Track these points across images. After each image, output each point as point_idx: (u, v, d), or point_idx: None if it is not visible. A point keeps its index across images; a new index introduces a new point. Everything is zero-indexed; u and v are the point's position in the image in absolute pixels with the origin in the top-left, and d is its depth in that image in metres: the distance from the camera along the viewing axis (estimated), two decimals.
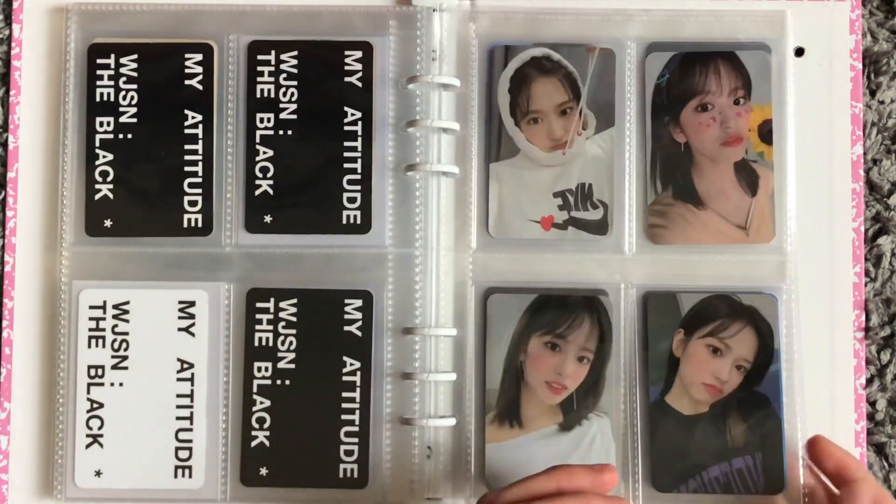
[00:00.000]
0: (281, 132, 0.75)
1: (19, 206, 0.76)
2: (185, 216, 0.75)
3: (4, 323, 0.75)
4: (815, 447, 0.71)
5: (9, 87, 0.76)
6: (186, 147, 0.75)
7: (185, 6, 0.76)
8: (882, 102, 0.77)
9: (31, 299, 0.75)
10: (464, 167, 0.75)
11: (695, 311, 0.74)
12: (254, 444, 0.73)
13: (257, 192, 0.75)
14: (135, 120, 0.75)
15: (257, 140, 0.75)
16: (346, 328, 0.74)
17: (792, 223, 0.74)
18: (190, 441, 0.73)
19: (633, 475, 0.73)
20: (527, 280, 0.75)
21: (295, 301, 0.74)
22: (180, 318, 0.74)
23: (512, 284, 0.75)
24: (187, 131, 0.75)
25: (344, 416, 0.73)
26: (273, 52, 0.75)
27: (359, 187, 0.74)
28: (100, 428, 0.73)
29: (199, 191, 0.75)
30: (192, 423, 0.73)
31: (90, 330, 0.74)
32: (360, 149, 0.75)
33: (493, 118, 0.75)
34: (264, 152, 0.75)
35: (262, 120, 0.75)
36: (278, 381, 0.73)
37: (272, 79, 0.75)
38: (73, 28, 0.76)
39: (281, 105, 0.75)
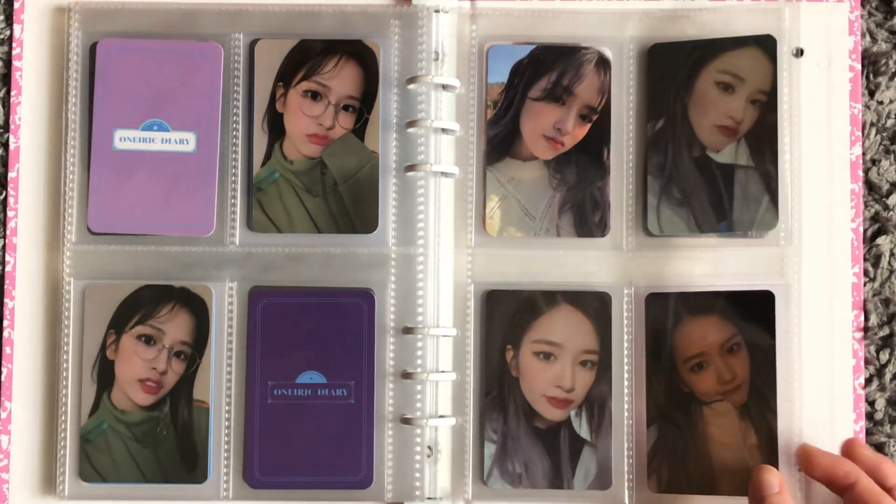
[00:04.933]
0: None
1: (20, 206, 0.76)
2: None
3: (5, 322, 0.75)
4: (801, 457, 0.72)
5: (10, 88, 0.76)
6: None
7: (187, 5, 0.76)
8: (881, 103, 0.77)
9: (31, 299, 0.75)
10: (463, 167, 0.76)
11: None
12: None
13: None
14: None
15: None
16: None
17: (790, 221, 0.74)
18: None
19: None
20: (526, 280, 0.75)
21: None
22: None
23: (512, 285, 0.75)
24: None
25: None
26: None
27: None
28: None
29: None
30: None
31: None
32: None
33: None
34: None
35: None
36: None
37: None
38: (75, 27, 0.76)
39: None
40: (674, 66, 0.75)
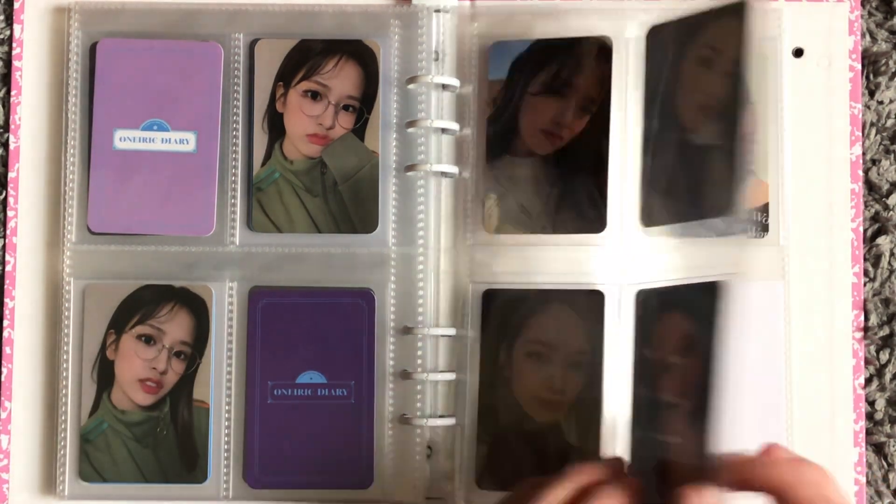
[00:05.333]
0: None
1: (20, 206, 0.76)
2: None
3: (5, 322, 0.75)
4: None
5: (9, 88, 0.76)
6: None
7: (187, 5, 0.76)
8: (881, 103, 0.77)
9: (32, 298, 0.75)
10: (463, 167, 0.75)
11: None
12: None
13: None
14: None
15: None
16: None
17: (787, 220, 0.74)
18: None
19: None
20: (525, 278, 0.75)
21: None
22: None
23: (510, 284, 0.75)
24: None
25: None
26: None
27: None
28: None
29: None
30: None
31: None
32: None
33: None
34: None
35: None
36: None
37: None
38: (75, 27, 0.76)
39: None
40: (665, 50, 0.74)
